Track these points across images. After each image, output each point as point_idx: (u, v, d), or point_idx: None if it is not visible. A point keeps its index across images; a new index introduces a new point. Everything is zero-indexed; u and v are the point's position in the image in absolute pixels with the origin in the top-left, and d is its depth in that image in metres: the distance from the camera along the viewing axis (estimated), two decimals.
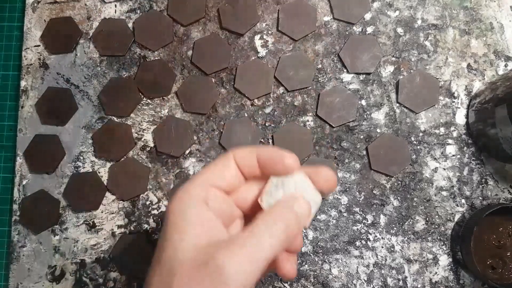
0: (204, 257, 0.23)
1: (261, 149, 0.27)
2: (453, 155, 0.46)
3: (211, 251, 0.23)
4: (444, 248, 0.44)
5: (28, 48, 0.49)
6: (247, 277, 0.22)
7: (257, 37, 0.48)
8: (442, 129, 0.46)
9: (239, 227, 0.28)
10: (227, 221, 0.27)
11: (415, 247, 0.44)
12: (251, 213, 0.28)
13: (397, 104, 0.47)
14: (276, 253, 0.24)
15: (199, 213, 0.24)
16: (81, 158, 0.47)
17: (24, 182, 0.47)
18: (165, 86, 0.47)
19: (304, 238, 0.45)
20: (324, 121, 0.46)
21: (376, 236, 0.45)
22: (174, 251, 0.23)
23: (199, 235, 0.24)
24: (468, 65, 0.47)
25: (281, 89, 0.47)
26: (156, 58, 0.48)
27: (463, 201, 0.45)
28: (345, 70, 0.47)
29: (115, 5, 0.49)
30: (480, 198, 0.45)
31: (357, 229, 0.45)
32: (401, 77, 0.47)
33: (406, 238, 0.45)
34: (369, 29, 0.48)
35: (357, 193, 0.46)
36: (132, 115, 0.47)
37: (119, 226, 0.46)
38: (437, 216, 0.45)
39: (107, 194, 0.46)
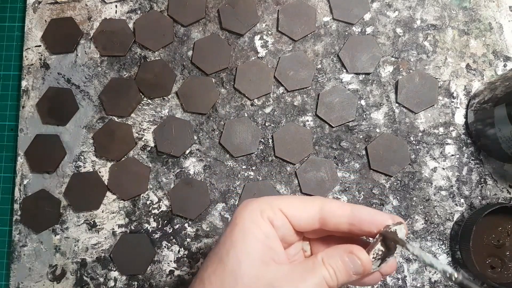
0: (268, 279, 0.25)
1: (356, 208, 0.27)
2: (452, 155, 0.46)
3: (275, 277, 0.25)
4: (443, 248, 0.45)
5: (29, 48, 0.49)
6: None
7: (257, 37, 0.48)
8: (441, 129, 0.46)
9: (298, 249, 0.31)
10: (285, 245, 0.29)
11: (414, 246, 0.45)
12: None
13: (396, 104, 0.47)
14: None
15: (265, 232, 0.26)
16: (82, 157, 0.47)
17: (25, 182, 0.47)
18: (166, 86, 0.47)
19: None
20: (324, 121, 0.46)
21: None
22: (239, 262, 0.25)
23: (262, 254, 0.26)
24: (467, 65, 0.47)
25: (281, 89, 0.47)
26: (157, 58, 0.48)
27: (462, 200, 0.45)
28: (344, 70, 0.47)
29: (116, 6, 0.49)
30: (479, 197, 0.45)
31: None
32: (400, 77, 0.47)
33: (405, 238, 0.45)
34: (369, 30, 0.48)
35: (357, 192, 0.46)
36: (132, 115, 0.48)
37: (120, 226, 0.46)
38: (436, 216, 0.45)
39: (108, 193, 0.46)
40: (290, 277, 0.25)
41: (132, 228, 0.46)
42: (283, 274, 0.25)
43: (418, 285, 0.44)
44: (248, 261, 0.25)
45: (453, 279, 0.25)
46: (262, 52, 0.48)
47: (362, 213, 0.27)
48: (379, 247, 0.27)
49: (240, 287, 0.25)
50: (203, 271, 0.27)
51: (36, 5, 0.50)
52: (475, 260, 0.40)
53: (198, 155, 0.47)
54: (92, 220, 0.46)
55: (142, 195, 0.46)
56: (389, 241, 0.27)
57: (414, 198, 0.45)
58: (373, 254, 0.27)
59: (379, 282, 0.44)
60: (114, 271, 0.45)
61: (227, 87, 0.48)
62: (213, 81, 0.48)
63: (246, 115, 0.47)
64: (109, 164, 0.47)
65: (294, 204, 0.28)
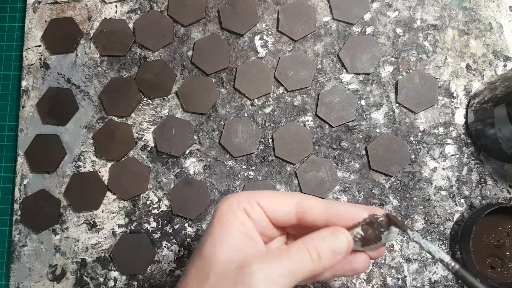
0: (240, 261, 0.25)
1: (333, 205, 0.28)
2: (452, 155, 0.46)
3: (247, 258, 0.25)
4: (443, 248, 0.45)
5: (29, 48, 0.49)
6: None
7: (257, 37, 0.48)
8: (441, 129, 0.46)
9: (280, 243, 0.30)
10: (266, 239, 0.29)
11: (414, 247, 0.45)
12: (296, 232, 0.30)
13: (396, 104, 0.47)
14: (306, 276, 0.25)
15: (243, 222, 0.27)
16: (82, 157, 0.47)
17: (25, 182, 0.47)
18: (166, 86, 0.47)
19: None
20: (324, 121, 0.46)
21: None
22: (215, 249, 0.26)
23: (238, 242, 0.26)
24: (467, 65, 0.47)
25: (281, 89, 0.47)
26: (157, 58, 0.48)
27: (462, 200, 0.45)
28: (344, 70, 0.47)
29: (116, 6, 0.49)
30: (479, 197, 0.45)
31: None
32: (400, 77, 0.47)
33: (405, 238, 0.45)
34: (369, 30, 0.48)
35: (357, 192, 0.46)
36: (132, 115, 0.48)
37: (120, 226, 0.46)
38: (436, 216, 0.45)
39: (108, 193, 0.46)
40: (263, 258, 0.25)
41: (132, 228, 0.46)
42: (258, 256, 0.25)
43: (418, 285, 0.44)
44: (223, 247, 0.26)
45: (450, 268, 0.26)
46: (262, 52, 0.48)
47: (339, 210, 0.27)
48: (358, 230, 0.27)
49: (213, 273, 0.25)
50: (187, 264, 0.28)
51: (36, 5, 0.50)
52: (475, 260, 0.40)
53: (198, 155, 0.47)
54: (92, 220, 0.46)
55: (142, 195, 0.46)
56: (375, 228, 0.27)
57: (414, 198, 0.45)
58: (351, 235, 0.27)
59: (379, 282, 0.44)
60: (114, 271, 0.45)
61: (227, 87, 0.48)
62: (213, 81, 0.48)
63: (246, 115, 0.47)
64: (109, 164, 0.47)
65: (272, 198, 0.28)
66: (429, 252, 0.27)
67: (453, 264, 0.26)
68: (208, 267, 0.25)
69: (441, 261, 0.26)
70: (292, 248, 0.26)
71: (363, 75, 0.47)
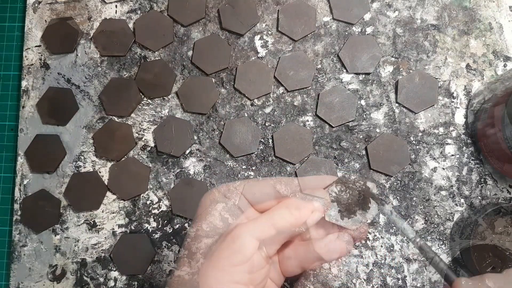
0: (224, 229, 0.27)
1: (302, 179, 0.30)
2: (452, 155, 0.46)
3: (231, 224, 0.27)
4: (444, 248, 0.45)
5: (29, 48, 0.49)
6: (259, 247, 0.26)
7: (257, 37, 0.48)
8: (441, 129, 0.46)
9: None
10: None
11: (414, 247, 0.45)
12: None
13: (396, 104, 0.47)
14: (287, 226, 0.27)
15: (224, 202, 0.29)
16: (82, 158, 0.47)
17: (25, 182, 0.47)
18: (166, 86, 0.47)
19: None
20: (324, 121, 0.46)
21: (375, 235, 0.45)
22: (200, 230, 0.28)
23: (222, 217, 0.28)
24: (467, 65, 0.47)
25: (281, 89, 0.47)
26: (157, 58, 0.48)
27: (462, 200, 0.45)
28: (344, 70, 0.47)
29: (116, 6, 0.49)
30: (479, 197, 0.45)
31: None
32: (400, 77, 0.47)
33: (405, 238, 0.45)
34: (369, 30, 0.48)
35: None
36: (132, 115, 0.48)
37: (120, 226, 0.46)
38: (436, 216, 0.45)
39: (108, 193, 0.46)
40: (246, 221, 0.27)
41: (132, 228, 0.46)
42: (240, 221, 0.27)
43: (418, 285, 0.44)
44: (207, 224, 0.28)
45: (415, 243, 0.28)
46: (262, 52, 0.48)
47: (313, 181, 0.30)
48: (332, 188, 0.29)
49: (200, 251, 0.27)
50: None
51: (36, 5, 0.50)
52: (475, 260, 0.40)
53: (198, 155, 0.47)
54: (92, 220, 0.46)
55: (142, 195, 0.46)
56: (348, 186, 0.29)
57: (414, 198, 0.45)
58: (328, 191, 0.29)
59: (379, 282, 0.44)
60: (114, 271, 0.45)
61: (227, 87, 0.48)
62: (213, 81, 0.48)
63: (246, 115, 0.47)
64: (109, 164, 0.47)
65: (250, 183, 0.30)
66: (395, 225, 0.30)
67: (417, 239, 0.28)
68: (195, 248, 0.27)
69: (406, 235, 0.29)
70: (272, 208, 0.28)
71: (363, 75, 0.47)
